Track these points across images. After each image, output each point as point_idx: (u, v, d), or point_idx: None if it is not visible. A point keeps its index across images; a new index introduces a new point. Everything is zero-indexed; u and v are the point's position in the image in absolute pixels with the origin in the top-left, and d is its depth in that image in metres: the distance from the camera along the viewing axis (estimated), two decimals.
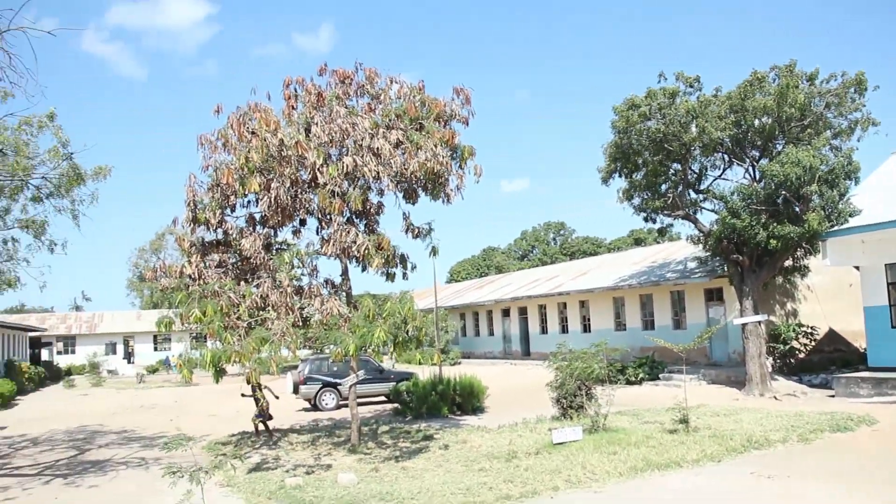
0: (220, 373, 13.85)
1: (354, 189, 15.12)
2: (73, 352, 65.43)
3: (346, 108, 15.86)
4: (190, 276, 15.44)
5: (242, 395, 18.63)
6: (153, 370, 57.41)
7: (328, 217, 16.42)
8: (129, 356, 66.46)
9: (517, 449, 14.84)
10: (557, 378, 18.47)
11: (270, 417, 18.29)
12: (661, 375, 28.69)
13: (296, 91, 16.39)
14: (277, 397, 18.13)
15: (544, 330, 43.51)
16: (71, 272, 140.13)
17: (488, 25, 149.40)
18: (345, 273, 16.51)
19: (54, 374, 53.88)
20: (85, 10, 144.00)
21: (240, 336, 13.63)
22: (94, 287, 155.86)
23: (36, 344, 61.49)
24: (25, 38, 18.15)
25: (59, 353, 65.35)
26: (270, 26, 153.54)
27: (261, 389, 17.60)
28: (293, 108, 16.12)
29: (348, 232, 15.25)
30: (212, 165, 15.97)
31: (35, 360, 56.77)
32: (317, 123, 15.23)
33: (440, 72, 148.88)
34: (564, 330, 40.93)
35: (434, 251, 17.20)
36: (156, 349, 66.48)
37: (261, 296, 14.70)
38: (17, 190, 16.46)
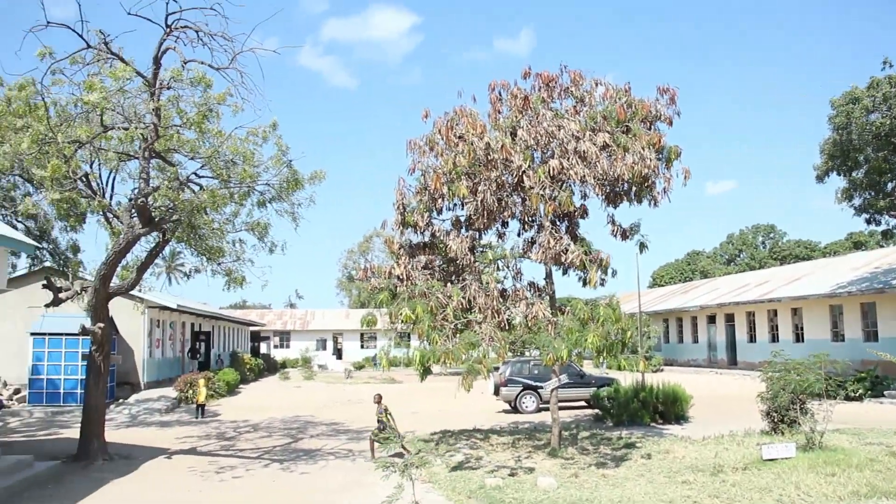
0: (426, 372, 14.26)
1: (560, 192, 15.06)
2: (287, 346, 69.79)
3: (551, 110, 15.85)
4: (398, 277, 15.94)
5: (373, 434, 18.18)
6: (359, 366, 59.93)
7: (531, 220, 16.48)
8: (338, 352, 69.90)
9: (723, 462, 14.14)
10: (769, 390, 17.46)
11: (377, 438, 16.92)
12: (885, 392, 26.56)
13: (500, 95, 16.54)
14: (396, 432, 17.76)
15: (752, 338, 41.64)
16: (286, 271, 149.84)
17: (690, 22, 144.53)
18: (548, 277, 16.47)
19: (271, 366, 57.49)
20: (303, 28, 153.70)
21: (446, 336, 13.95)
22: (306, 286, 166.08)
23: (255, 337, 66.04)
24: (254, 58, 19.47)
25: (275, 346, 69.95)
26: (472, 33, 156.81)
27: (388, 414, 17.41)
28: (498, 111, 16.26)
29: (559, 239, 15.20)
30: (419, 169, 16.39)
31: (255, 352, 60.96)
32: (522, 127, 15.29)
33: (641, 70, 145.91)
34: (774, 339, 38.98)
35: (643, 247, 16.86)
36: (362, 346, 69.49)
37: (466, 298, 14.93)
38: (244, 196, 17.67)
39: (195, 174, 17.57)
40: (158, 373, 35.29)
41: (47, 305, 19.74)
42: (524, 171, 14.99)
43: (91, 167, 18.10)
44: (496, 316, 14.90)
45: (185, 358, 40.47)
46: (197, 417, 25.88)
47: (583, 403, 26.37)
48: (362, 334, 69.21)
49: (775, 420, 17.35)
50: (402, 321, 14.11)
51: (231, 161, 16.90)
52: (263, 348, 67.08)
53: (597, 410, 23.52)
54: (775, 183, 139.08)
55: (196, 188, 17.29)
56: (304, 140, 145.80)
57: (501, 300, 15.69)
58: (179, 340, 40.35)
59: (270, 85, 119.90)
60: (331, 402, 32.64)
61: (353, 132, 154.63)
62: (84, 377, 19.26)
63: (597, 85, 16.54)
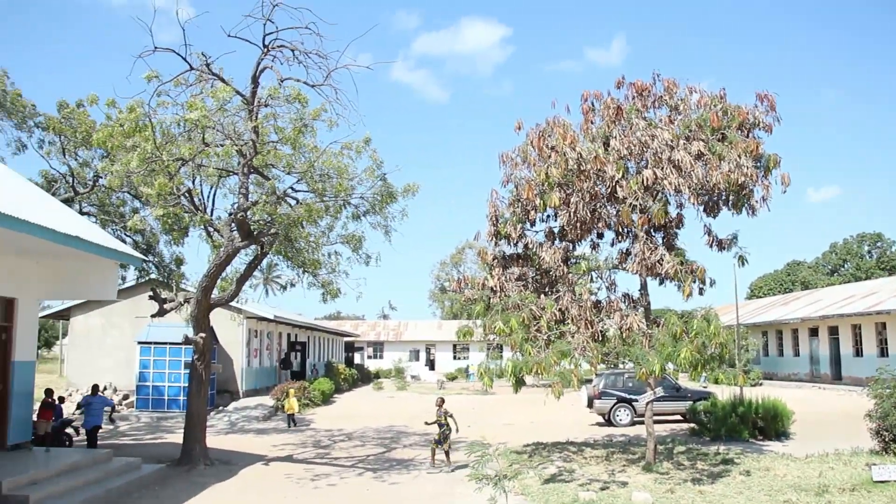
0: (519, 383, 14.24)
1: (654, 203, 14.83)
2: (380, 357, 70.60)
3: (644, 120, 15.65)
4: (492, 289, 15.99)
5: (426, 423, 18.55)
6: (452, 377, 60.07)
7: (626, 230, 16.28)
8: (430, 363, 70.35)
9: (828, 483, 13.56)
10: (878, 408, 16.70)
11: (442, 443, 17.61)
12: None
13: (593, 105, 16.43)
14: (458, 430, 17.81)
15: (858, 352, 39.94)
16: (379, 283, 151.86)
17: (788, 24, 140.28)
18: (643, 288, 16.22)
19: (364, 377, 58.15)
20: (395, 43, 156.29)
21: (539, 348, 13.90)
22: (398, 297, 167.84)
23: (349, 348, 67.09)
24: (348, 74, 19.85)
25: (368, 357, 70.85)
26: (562, 43, 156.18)
27: (448, 416, 17.51)
28: (591, 122, 16.15)
29: (654, 249, 14.98)
30: (512, 181, 16.43)
31: (349, 362, 61.89)
32: (615, 137, 15.15)
33: (737, 76, 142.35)
34: (884, 353, 37.26)
35: (742, 260, 16.37)
36: (455, 358, 69.68)
37: (560, 309, 14.85)
38: (339, 209, 18.01)
39: (291, 188, 18.03)
40: (256, 381, 36.21)
41: (153, 316, 20.57)
42: (617, 182, 14.84)
43: (193, 183, 18.78)
44: (589, 327, 14.77)
45: (280, 367, 41.36)
46: (289, 427, 26.45)
47: (678, 417, 25.82)
48: (455, 345, 69.45)
49: (886, 440, 16.54)
50: (497, 332, 14.15)
51: (326, 175, 17.27)
52: (357, 358, 68.03)
53: (693, 425, 22.96)
54: (882, 188, 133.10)
55: (293, 202, 17.73)
56: (395, 152, 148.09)
57: (595, 311, 15.53)
58: (276, 350, 41.31)
59: (364, 99, 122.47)
60: (423, 412, 32.63)
61: (444, 144, 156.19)
62: (186, 385, 19.97)
63: (691, 92, 16.25)
